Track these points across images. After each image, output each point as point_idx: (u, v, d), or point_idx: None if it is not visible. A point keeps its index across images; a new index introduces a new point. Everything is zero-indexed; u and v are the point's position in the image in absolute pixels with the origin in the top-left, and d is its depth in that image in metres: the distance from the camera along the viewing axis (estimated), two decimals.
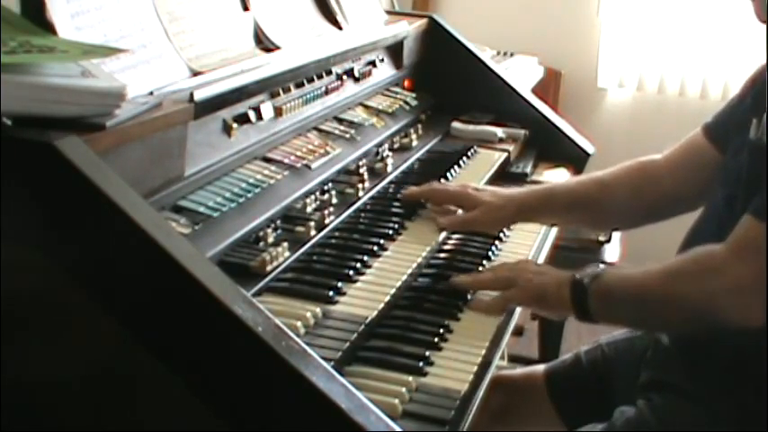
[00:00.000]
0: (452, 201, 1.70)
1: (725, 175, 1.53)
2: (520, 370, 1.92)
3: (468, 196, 1.69)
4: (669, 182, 1.71)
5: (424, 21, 2.35)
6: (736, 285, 1.33)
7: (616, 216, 1.80)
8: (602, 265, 1.46)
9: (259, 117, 1.60)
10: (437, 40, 2.35)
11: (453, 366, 1.26)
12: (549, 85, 4.05)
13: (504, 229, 1.76)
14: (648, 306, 1.41)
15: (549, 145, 2.26)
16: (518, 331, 3.12)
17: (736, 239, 1.36)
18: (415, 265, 1.50)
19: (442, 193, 1.72)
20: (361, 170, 1.77)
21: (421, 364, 1.24)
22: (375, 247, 1.50)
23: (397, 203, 1.70)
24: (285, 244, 1.39)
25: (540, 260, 1.75)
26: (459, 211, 1.70)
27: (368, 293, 1.37)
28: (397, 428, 1.01)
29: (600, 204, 1.75)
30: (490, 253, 1.66)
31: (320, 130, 1.80)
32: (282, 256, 1.37)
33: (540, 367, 1.86)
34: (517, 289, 1.45)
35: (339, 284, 1.36)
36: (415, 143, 2.02)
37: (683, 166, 1.70)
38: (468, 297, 1.47)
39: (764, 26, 1.49)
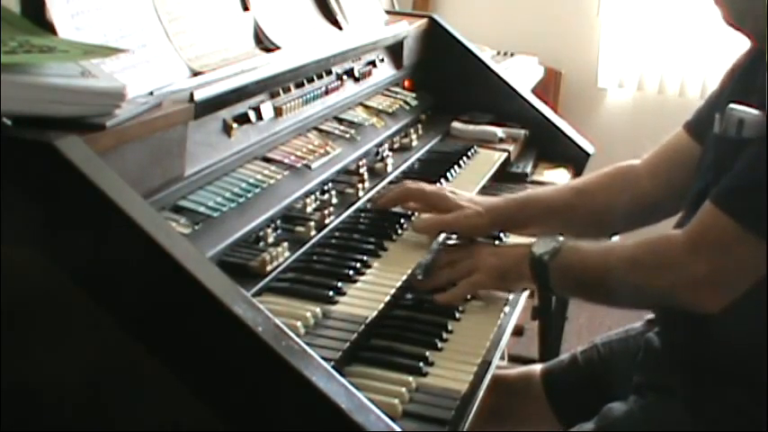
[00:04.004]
0: (428, 201, 1.63)
1: (700, 168, 1.53)
2: (516, 369, 1.92)
3: (446, 198, 1.62)
4: (649, 186, 1.69)
5: (424, 21, 2.35)
6: (692, 280, 1.35)
7: (595, 222, 1.72)
8: (560, 237, 1.46)
9: (259, 117, 1.60)
10: (437, 40, 2.35)
11: (453, 366, 1.27)
12: (549, 85, 4.05)
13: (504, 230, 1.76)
14: (608, 289, 1.43)
15: (549, 145, 2.26)
16: (518, 331, 3.11)
17: (695, 230, 1.37)
18: (415, 265, 1.50)
19: (417, 193, 1.64)
20: (361, 170, 1.77)
21: (421, 364, 1.25)
22: (375, 247, 1.50)
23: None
24: (285, 244, 1.39)
25: None
26: None
27: (368, 293, 1.37)
28: (397, 428, 1.01)
29: (577, 211, 1.70)
30: None
31: (320, 130, 1.80)
32: (282, 256, 1.37)
33: (537, 367, 1.86)
34: (480, 273, 1.47)
35: (339, 284, 1.36)
36: (415, 143, 2.02)
37: (665, 168, 1.68)
38: (468, 297, 1.47)
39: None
